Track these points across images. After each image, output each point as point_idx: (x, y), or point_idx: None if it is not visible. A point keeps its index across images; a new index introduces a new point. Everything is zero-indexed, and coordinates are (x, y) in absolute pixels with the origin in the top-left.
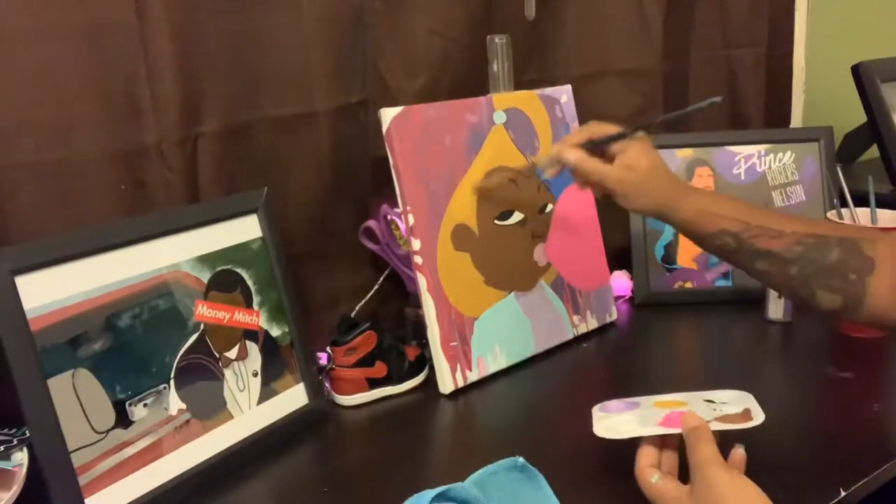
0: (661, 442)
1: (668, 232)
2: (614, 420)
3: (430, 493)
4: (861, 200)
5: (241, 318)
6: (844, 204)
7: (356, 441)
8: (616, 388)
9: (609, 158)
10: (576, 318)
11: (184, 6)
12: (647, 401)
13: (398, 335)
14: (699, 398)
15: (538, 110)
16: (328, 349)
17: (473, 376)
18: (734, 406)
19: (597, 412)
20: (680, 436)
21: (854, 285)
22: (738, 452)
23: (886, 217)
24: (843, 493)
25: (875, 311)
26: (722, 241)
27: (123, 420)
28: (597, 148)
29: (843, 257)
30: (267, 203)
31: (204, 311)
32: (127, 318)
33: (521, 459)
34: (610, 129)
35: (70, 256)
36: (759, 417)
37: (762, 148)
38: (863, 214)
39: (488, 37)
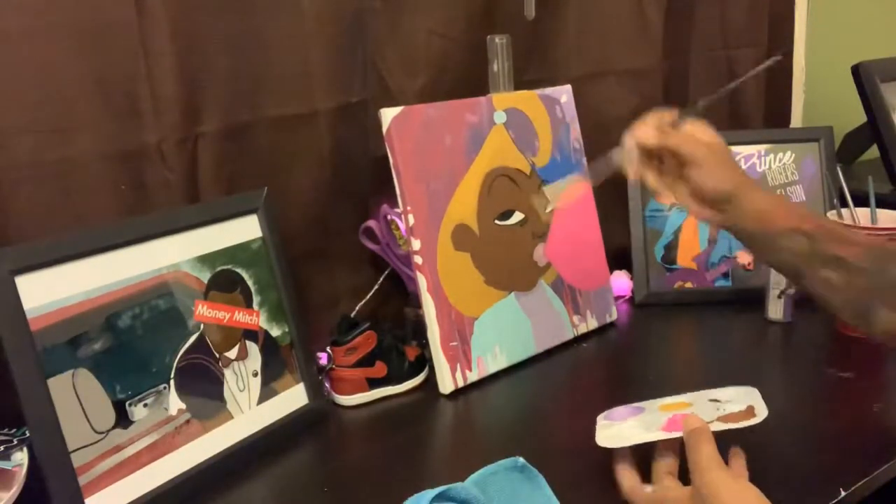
0: (662, 445)
1: (668, 232)
2: (617, 427)
3: (430, 493)
4: (861, 200)
5: (241, 318)
6: (844, 204)
7: (356, 441)
8: (616, 388)
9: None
10: (576, 318)
11: (184, 6)
12: (651, 405)
13: (398, 335)
14: (704, 398)
15: (538, 110)
16: (328, 349)
17: (473, 376)
18: (738, 403)
19: (601, 421)
20: (681, 438)
21: None
22: (738, 459)
23: (886, 217)
24: (843, 493)
25: None
26: (793, 241)
27: (123, 420)
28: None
29: None
30: (267, 203)
31: (204, 311)
32: (127, 318)
33: (521, 459)
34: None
35: (70, 256)
36: (762, 413)
37: (762, 148)
38: (863, 214)
39: (488, 37)
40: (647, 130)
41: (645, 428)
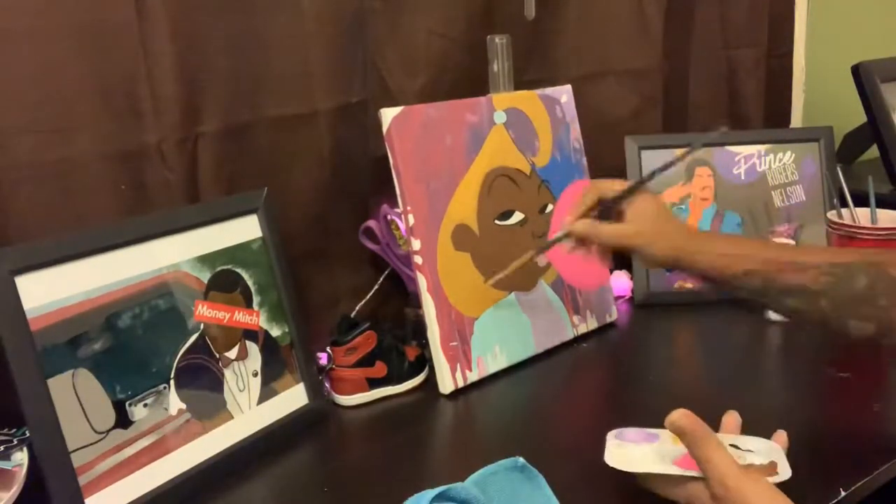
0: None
1: None
2: (629, 451)
3: (430, 493)
4: (861, 200)
5: (241, 318)
6: (844, 204)
7: (356, 441)
8: (616, 388)
9: (616, 218)
10: (576, 318)
11: (184, 6)
12: (665, 434)
13: (398, 335)
14: (724, 442)
15: (538, 110)
16: (328, 349)
17: (473, 376)
18: (760, 456)
19: (612, 439)
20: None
21: (886, 311)
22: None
23: (886, 217)
24: (843, 493)
25: None
26: (746, 284)
27: (123, 420)
28: (607, 212)
29: (871, 282)
30: (267, 203)
31: (204, 311)
32: (127, 318)
33: (521, 460)
34: (616, 185)
35: (70, 256)
36: (785, 473)
37: (762, 148)
38: (863, 214)
39: (488, 37)
40: (577, 224)
41: (659, 458)
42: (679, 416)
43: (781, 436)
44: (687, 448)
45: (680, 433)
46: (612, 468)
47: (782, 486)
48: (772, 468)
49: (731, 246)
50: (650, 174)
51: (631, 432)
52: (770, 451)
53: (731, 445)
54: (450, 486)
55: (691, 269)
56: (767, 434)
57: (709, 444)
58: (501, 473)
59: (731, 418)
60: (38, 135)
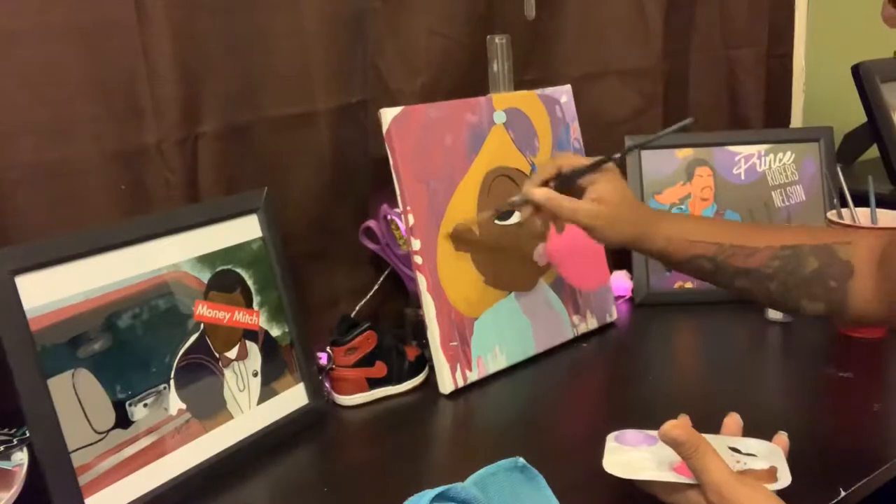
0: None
1: None
2: (628, 456)
3: (430, 494)
4: (861, 200)
5: (241, 318)
6: (844, 204)
7: (356, 441)
8: (616, 388)
9: (577, 193)
10: (576, 318)
11: (184, 6)
12: None
13: (398, 335)
14: (723, 444)
15: (538, 110)
16: (328, 349)
17: (473, 376)
18: (760, 461)
19: (611, 442)
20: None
21: (835, 292)
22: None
23: (886, 217)
24: (843, 493)
25: (860, 313)
26: (697, 265)
27: (123, 420)
28: (566, 184)
29: (821, 266)
30: (267, 203)
31: (204, 311)
32: (127, 318)
33: (521, 460)
34: (577, 161)
35: (70, 256)
36: (784, 480)
37: (762, 148)
38: (863, 214)
39: (488, 37)
40: (536, 190)
41: (657, 463)
42: (672, 426)
43: (782, 437)
44: (682, 458)
45: (674, 445)
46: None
47: (782, 491)
48: (771, 474)
49: (683, 230)
50: (611, 156)
51: (630, 435)
52: (771, 455)
53: (732, 448)
54: (449, 486)
55: (643, 252)
56: (768, 435)
57: (704, 454)
58: (501, 474)
59: (732, 420)
60: (38, 135)
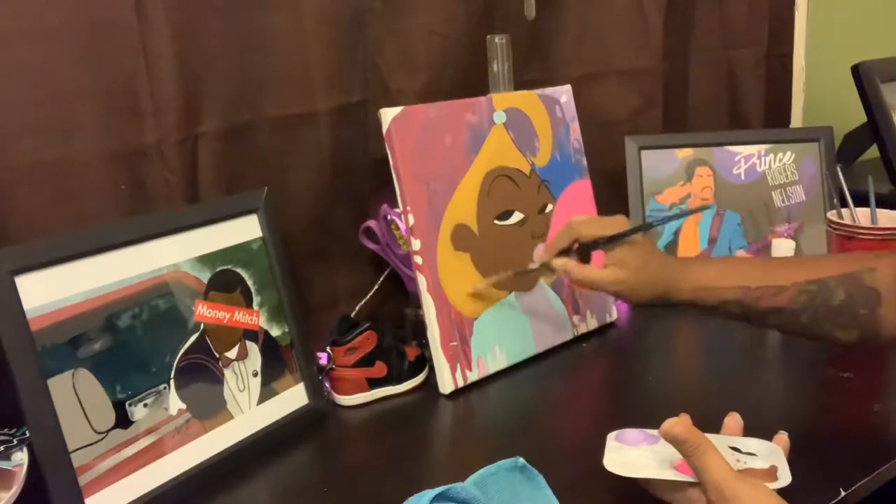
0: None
1: (669, 232)
2: (628, 454)
3: (430, 494)
4: (861, 200)
5: (241, 318)
6: (844, 204)
7: (356, 441)
8: (616, 388)
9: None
10: (576, 318)
11: (184, 6)
12: None
13: (398, 335)
14: (724, 443)
15: (538, 110)
16: (328, 349)
17: (473, 376)
18: (761, 460)
19: (611, 441)
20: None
21: (866, 320)
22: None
23: (886, 217)
24: (843, 493)
25: (892, 335)
26: (727, 311)
27: (123, 420)
28: (584, 252)
29: (848, 296)
30: (267, 203)
31: (204, 311)
32: (127, 318)
33: (521, 460)
34: (595, 228)
35: (70, 256)
36: (784, 479)
37: (762, 148)
38: (863, 214)
39: (488, 37)
40: (556, 262)
41: (658, 462)
42: (672, 424)
43: (782, 437)
44: (683, 456)
45: (675, 442)
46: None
47: (782, 490)
48: (771, 473)
49: (707, 278)
50: (631, 230)
51: (631, 433)
52: (771, 455)
53: (732, 448)
54: (449, 486)
55: (673, 303)
56: (768, 435)
57: (704, 452)
58: (501, 474)
59: (733, 420)
60: (38, 135)
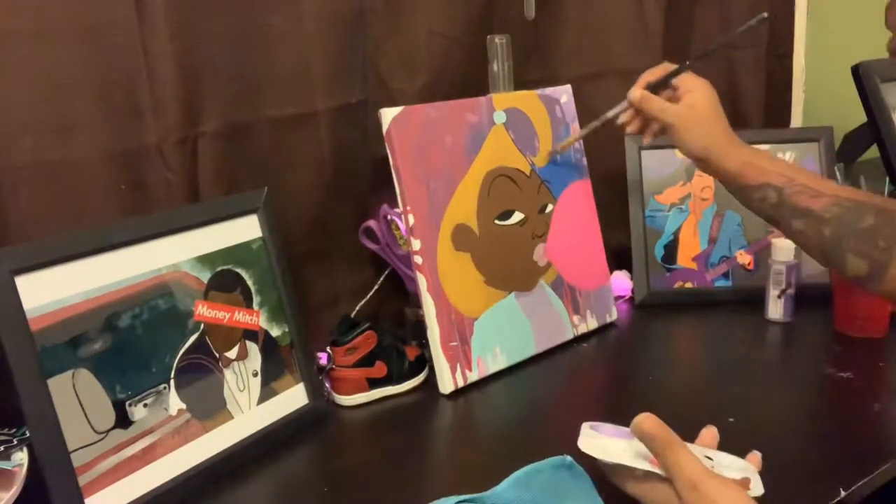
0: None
1: (668, 232)
2: (605, 442)
3: (453, 500)
4: None
5: (241, 318)
6: None
7: (356, 441)
8: (616, 388)
9: (676, 99)
10: (576, 318)
11: (184, 6)
12: None
13: (398, 335)
14: (698, 451)
15: (538, 110)
16: (328, 349)
17: (473, 376)
18: (733, 472)
19: (586, 429)
20: None
21: (882, 253)
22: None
23: None
24: (843, 493)
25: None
26: (764, 194)
27: (123, 420)
28: (663, 87)
29: (877, 224)
30: (267, 203)
31: (204, 311)
32: (127, 318)
33: (568, 458)
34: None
35: (70, 256)
36: (757, 490)
37: (762, 148)
38: None
39: (488, 37)
40: (634, 90)
41: (633, 454)
42: (643, 419)
43: (756, 456)
44: (653, 453)
45: (645, 438)
46: (612, 471)
47: (778, 469)
48: (744, 484)
49: (758, 158)
50: (711, 49)
51: (606, 427)
52: (744, 469)
53: (706, 457)
54: (479, 494)
55: (716, 170)
56: (768, 435)
57: (675, 448)
58: (547, 471)
59: (709, 433)
60: (38, 135)
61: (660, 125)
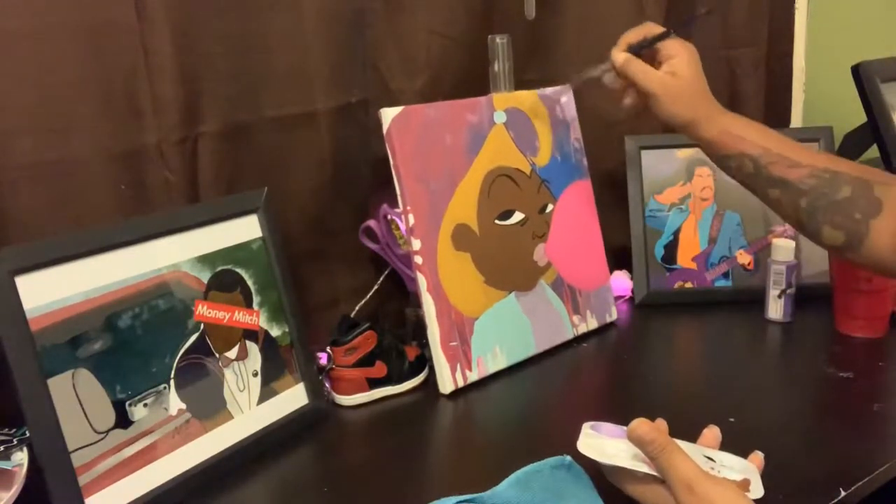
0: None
1: (668, 232)
2: (603, 443)
3: (452, 500)
4: None
5: (241, 318)
6: None
7: (356, 441)
8: (616, 388)
9: (658, 64)
10: (576, 318)
11: (184, 6)
12: None
13: (398, 335)
14: (698, 451)
15: (538, 110)
16: (328, 349)
17: (473, 376)
18: (735, 473)
19: (587, 429)
20: None
21: (858, 224)
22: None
23: None
24: (843, 493)
25: (873, 253)
26: (740, 163)
27: (123, 420)
28: (645, 50)
29: (853, 196)
30: (267, 203)
31: (204, 311)
32: (127, 318)
33: (568, 458)
34: (658, 29)
35: (70, 256)
36: (757, 492)
37: None
38: None
39: (489, 37)
40: (617, 53)
41: (632, 455)
42: (637, 424)
43: (758, 457)
44: (649, 458)
45: (640, 443)
46: (612, 473)
47: (779, 470)
48: (744, 485)
49: (738, 126)
50: (695, 15)
51: (607, 427)
52: (745, 470)
53: (707, 457)
54: (479, 494)
55: (694, 138)
56: (767, 436)
57: (671, 452)
58: (547, 471)
59: (711, 433)
60: (38, 135)
61: (642, 91)
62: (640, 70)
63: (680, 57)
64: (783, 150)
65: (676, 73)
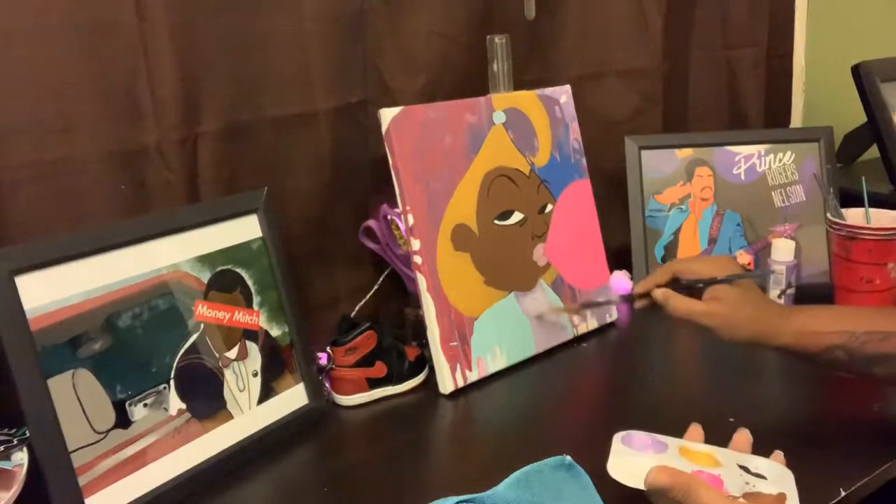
0: None
1: (668, 232)
2: (634, 461)
3: (452, 500)
4: (861, 201)
5: (241, 318)
6: (844, 204)
7: (356, 441)
8: (616, 388)
9: (699, 291)
10: (576, 318)
11: (184, 6)
12: (674, 444)
13: (398, 335)
14: (733, 460)
15: (538, 110)
16: (328, 349)
17: (473, 376)
18: (770, 485)
19: (618, 442)
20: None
21: None
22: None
23: (886, 217)
24: (842, 493)
25: None
26: (831, 357)
27: (123, 420)
28: (683, 288)
29: None
30: (267, 203)
31: (204, 311)
32: (127, 318)
33: (567, 458)
34: (695, 270)
35: (70, 256)
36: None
37: (762, 148)
38: (863, 215)
39: (488, 37)
40: (657, 292)
41: None
42: (653, 477)
43: (779, 455)
44: (675, 503)
45: (660, 494)
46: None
47: None
48: (779, 501)
49: (810, 324)
50: (732, 276)
51: (639, 437)
52: (780, 480)
53: (741, 466)
54: (479, 494)
55: (771, 349)
56: (767, 435)
57: (696, 491)
58: (546, 471)
59: (742, 437)
60: (37, 134)
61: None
62: (680, 306)
63: (720, 287)
64: (867, 326)
65: (720, 298)
